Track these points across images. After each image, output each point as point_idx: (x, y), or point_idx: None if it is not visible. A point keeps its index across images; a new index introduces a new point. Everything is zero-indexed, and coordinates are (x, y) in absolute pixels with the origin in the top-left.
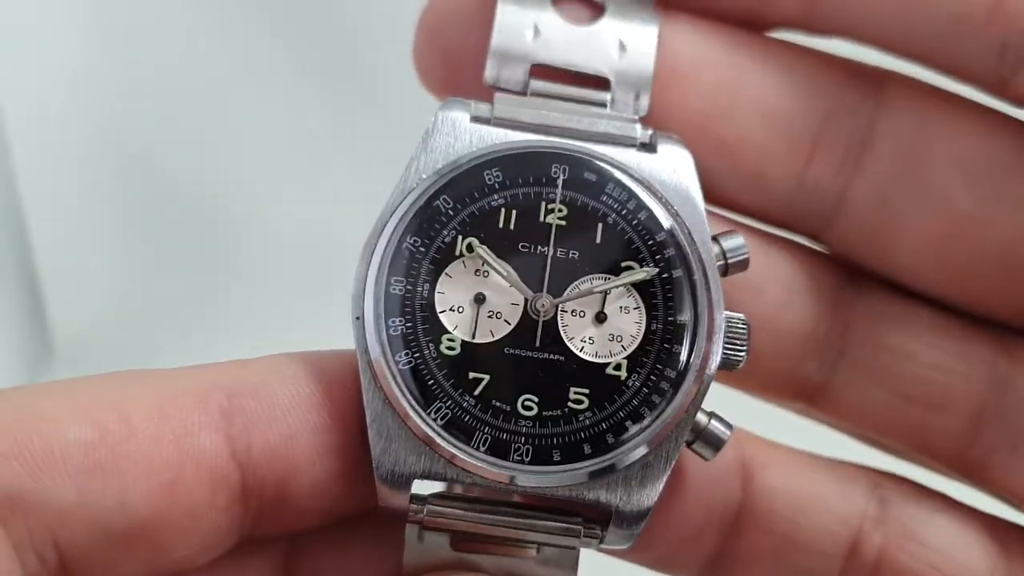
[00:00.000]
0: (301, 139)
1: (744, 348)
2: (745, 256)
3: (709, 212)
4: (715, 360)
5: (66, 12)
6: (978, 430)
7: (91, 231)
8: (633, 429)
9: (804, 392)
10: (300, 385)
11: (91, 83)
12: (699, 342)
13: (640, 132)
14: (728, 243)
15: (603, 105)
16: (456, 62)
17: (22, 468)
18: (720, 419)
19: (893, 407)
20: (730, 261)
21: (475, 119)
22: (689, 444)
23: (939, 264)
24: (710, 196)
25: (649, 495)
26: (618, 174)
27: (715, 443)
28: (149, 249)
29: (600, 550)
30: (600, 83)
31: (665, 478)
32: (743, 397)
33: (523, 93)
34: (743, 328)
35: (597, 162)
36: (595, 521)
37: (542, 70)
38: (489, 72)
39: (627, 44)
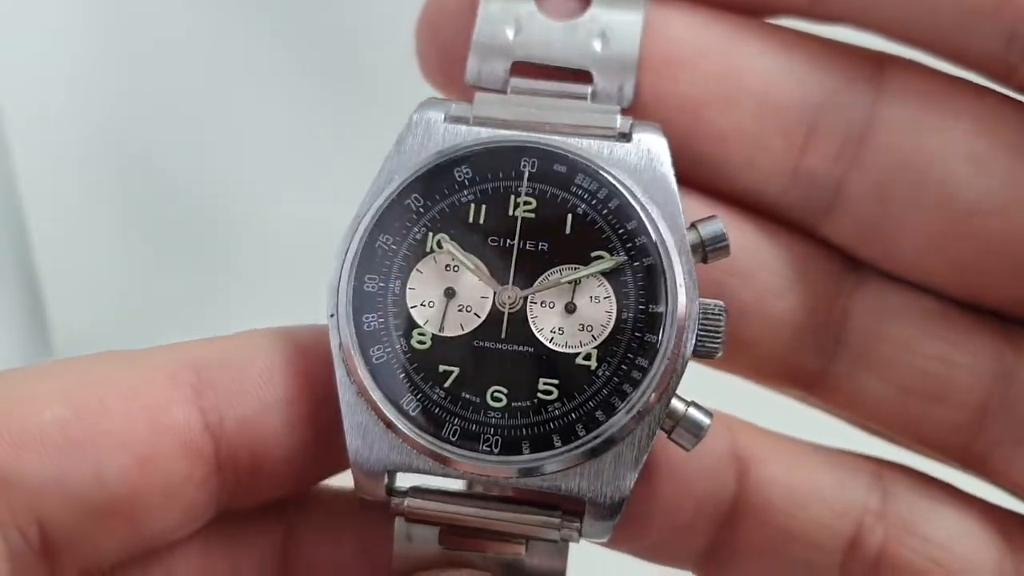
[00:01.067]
0: (301, 139)
1: (719, 337)
2: (724, 243)
3: (703, 200)
4: (688, 348)
5: (66, 12)
6: (982, 423)
7: (91, 231)
8: (604, 419)
9: (801, 380)
10: (272, 357)
11: (91, 83)
12: (672, 330)
13: (620, 122)
14: (706, 229)
15: (584, 98)
16: (456, 57)
17: (2, 448)
18: (700, 408)
19: (893, 398)
20: (708, 248)
21: (452, 119)
22: (668, 434)
23: (941, 258)
24: (705, 185)
25: (621, 486)
26: (588, 165)
27: (694, 432)
28: (149, 249)
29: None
30: (583, 76)
31: (638, 468)
32: (744, 383)
33: (503, 91)
34: (719, 316)
35: (566, 154)
36: (573, 513)
37: (524, 67)
38: (470, 71)
39: (609, 35)
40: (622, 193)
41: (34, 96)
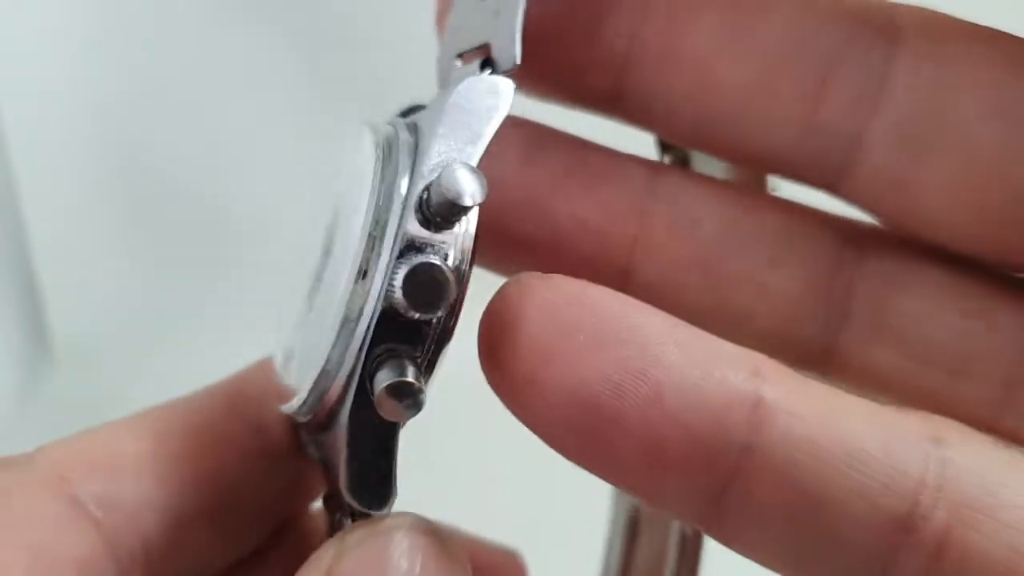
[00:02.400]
0: (303, 139)
1: (410, 297)
2: (445, 208)
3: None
4: (377, 305)
5: (66, 13)
6: (1008, 397)
7: (91, 232)
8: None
9: (809, 356)
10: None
11: (91, 83)
12: (366, 287)
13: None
14: (434, 195)
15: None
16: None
17: (101, 479)
18: (411, 377)
19: (911, 372)
20: (432, 202)
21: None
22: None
23: (967, 209)
24: (719, 144)
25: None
26: (402, 135)
27: (383, 405)
28: (150, 249)
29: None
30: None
31: (343, 450)
32: None
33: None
34: (425, 271)
35: (399, 127)
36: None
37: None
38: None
39: (499, 6)
40: (406, 152)
41: (34, 96)
